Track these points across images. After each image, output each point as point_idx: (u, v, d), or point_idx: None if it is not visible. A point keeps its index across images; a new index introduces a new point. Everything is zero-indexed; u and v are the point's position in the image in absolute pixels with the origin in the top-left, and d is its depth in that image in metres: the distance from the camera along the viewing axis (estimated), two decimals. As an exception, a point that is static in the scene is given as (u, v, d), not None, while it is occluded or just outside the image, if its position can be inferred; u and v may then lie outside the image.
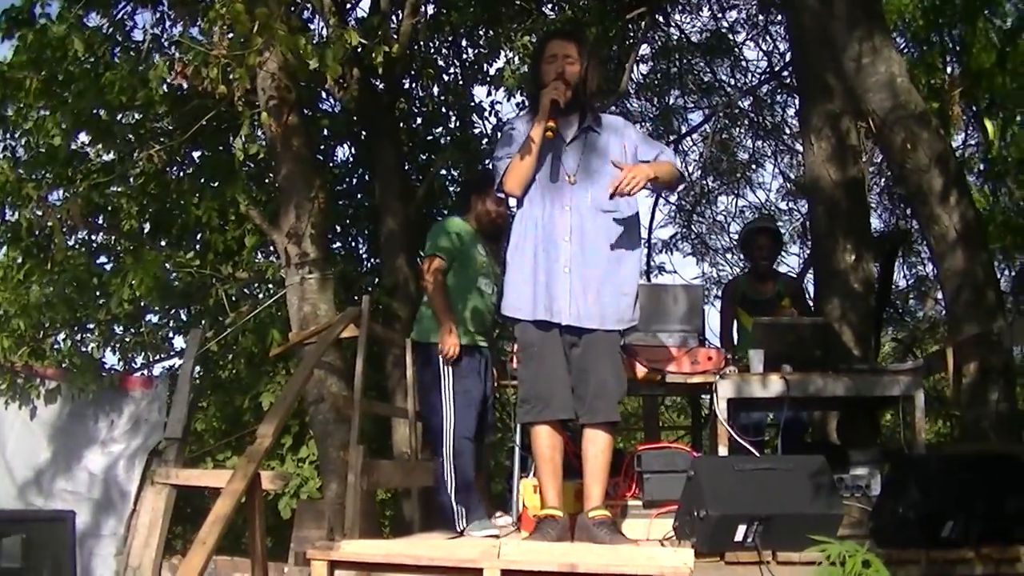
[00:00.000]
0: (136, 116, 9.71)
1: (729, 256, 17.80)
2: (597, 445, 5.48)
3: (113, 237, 10.58)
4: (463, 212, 7.17)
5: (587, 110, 5.72)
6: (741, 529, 4.87)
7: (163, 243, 10.21)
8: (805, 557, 4.83)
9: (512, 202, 6.14)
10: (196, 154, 10.52)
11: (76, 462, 9.76)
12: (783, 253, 9.65)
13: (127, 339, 10.90)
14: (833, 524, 4.98)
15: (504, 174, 5.68)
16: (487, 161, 8.21)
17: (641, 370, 6.70)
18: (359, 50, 9.15)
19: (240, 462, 5.23)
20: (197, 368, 9.71)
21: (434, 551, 5.26)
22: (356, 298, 9.02)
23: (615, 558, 4.91)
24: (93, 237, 10.66)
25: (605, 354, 5.52)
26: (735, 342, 8.38)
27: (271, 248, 10.30)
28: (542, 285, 5.48)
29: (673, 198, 16.97)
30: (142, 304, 10.42)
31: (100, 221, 10.26)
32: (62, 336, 10.61)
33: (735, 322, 8.52)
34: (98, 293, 10.05)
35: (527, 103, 6.25)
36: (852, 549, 4.32)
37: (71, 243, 10.25)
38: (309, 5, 9.17)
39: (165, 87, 8.49)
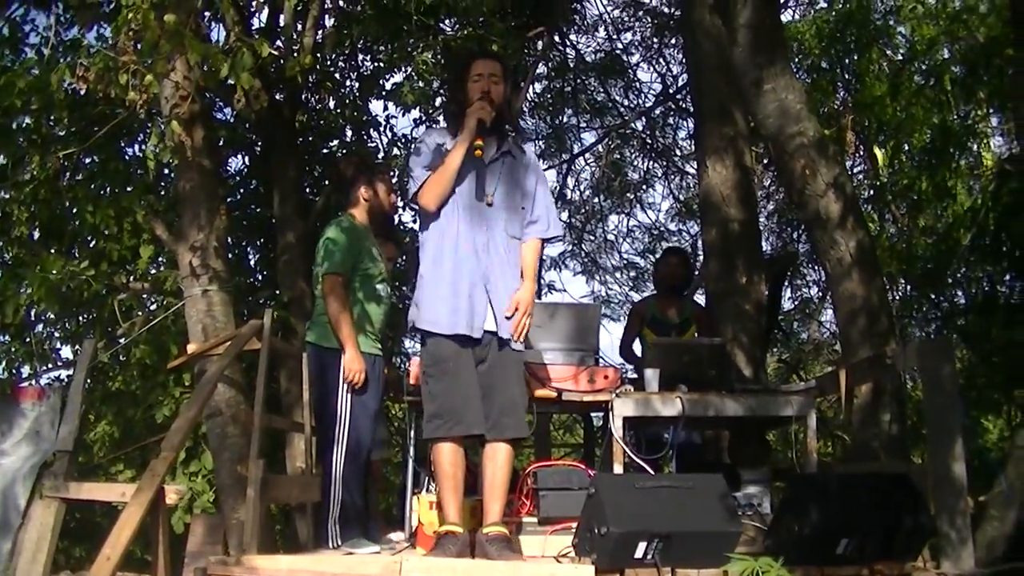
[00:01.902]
0: (27, 121, 9.54)
1: (619, 275, 17.96)
2: (497, 462, 5.52)
3: (2, 243, 10.37)
4: (346, 205, 7.07)
5: (508, 132, 5.78)
6: (641, 546, 4.92)
7: (54, 250, 10.00)
8: (704, 574, 4.90)
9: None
10: (88, 160, 10.33)
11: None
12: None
13: (13, 349, 10.67)
14: (731, 541, 5.05)
15: (421, 187, 5.68)
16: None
17: (539, 388, 6.73)
18: (260, 62, 9.13)
19: (144, 475, 5.17)
20: (88, 380, 9.53)
21: (337, 567, 5.24)
22: (245, 312, 8.97)
23: (517, 574, 4.94)
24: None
25: (512, 371, 5.59)
26: (640, 355, 8.51)
27: (165, 258, 10.18)
28: (462, 299, 5.51)
29: (564, 215, 17.08)
30: (31, 313, 10.24)
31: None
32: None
33: (640, 341, 8.61)
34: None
35: (444, 120, 6.24)
36: (767, 565, 4.38)
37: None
38: (212, 15, 9.09)
39: (66, 92, 8.34)
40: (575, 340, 7.19)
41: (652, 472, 6.54)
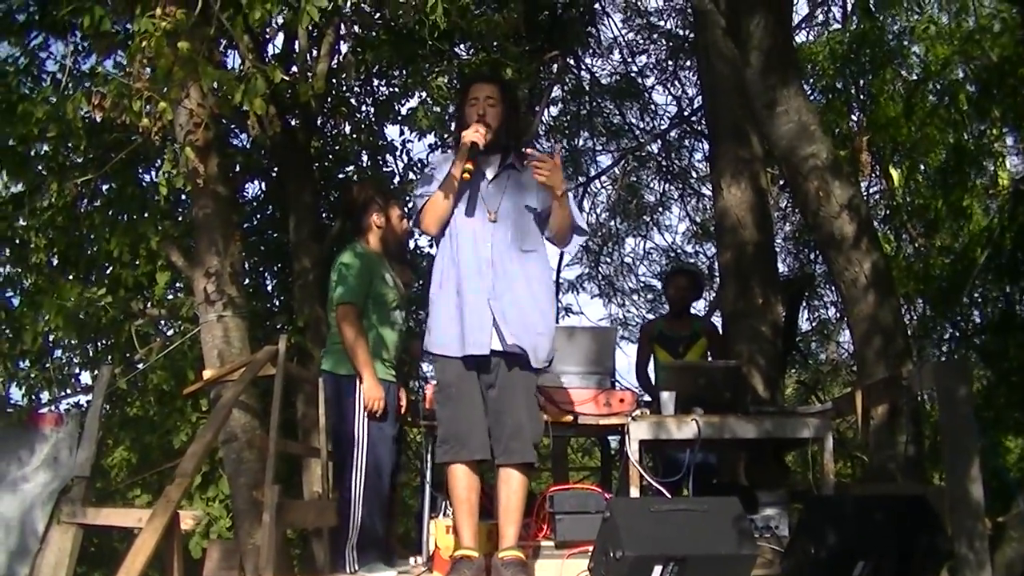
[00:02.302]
0: (46, 148, 9.59)
1: (636, 297, 17.94)
2: (511, 486, 5.48)
3: (20, 270, 10.40)
4: (359, 232, 7.06)
5: (510, 150, 5.77)
6: (657, 570, 4.90)
7: (71, 277, 10.03)
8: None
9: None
10: (106, 187, 10.38)
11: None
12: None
13: (32, 375, 10.70)
14: (747, 565, 5.03)
15: (421, 212, 5.70)
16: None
17: (554, 411, 6.73)
18: (275, 88, 9.16)
19: (159, 502, 5.18)
20: (106, 405, 9.55)
21: (353, 591, 5.25)
22: (261, 337, 8.98)
23: (533, 598, 4.95)
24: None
25: (521, 395, 5.53)
26: (653, 379, 8.50)
27: (181, 284, 10.21)
28: (465, 319, 5.48)
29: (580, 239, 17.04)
30: (50, 339, 10.27)
31: (7, 253, 10.09)
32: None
33: (653, 359, 8.61)
34: (5, 327, 9.86)
35: (450, 143, 6.28)
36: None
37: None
38: (226, 42, 9.13)
39: (84, 119, 8.37)
40: (592, 363, 7.17)
41: (669, 495, 6.52)
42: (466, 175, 5.50)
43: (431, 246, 5.85)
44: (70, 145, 9.56)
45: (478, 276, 5.53)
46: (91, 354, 11.11)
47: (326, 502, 7.18)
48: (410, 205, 5.95)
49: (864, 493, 7.40)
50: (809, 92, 11.92)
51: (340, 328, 6.55)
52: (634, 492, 6.54)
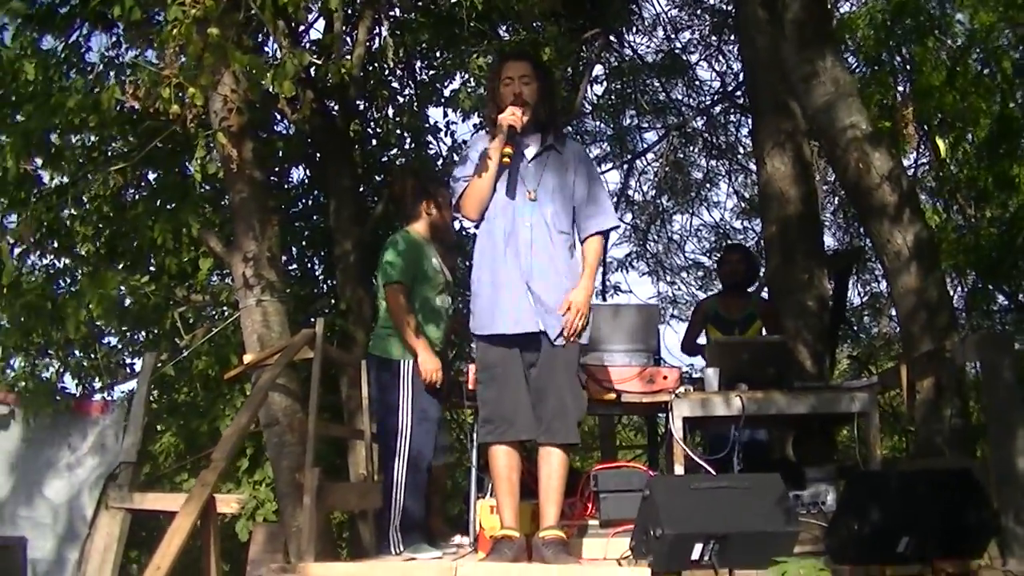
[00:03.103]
0: (92, 138, 9.63)
1: (685, 275, 17.85)
2: (552, 465, 5.49)
3: (68, 260, 10.46)
4: (408, 219, 7.17)
5: (549, 128, 5.74)
6: (697, 547, 4.88)
7: (119, 266, 10.09)
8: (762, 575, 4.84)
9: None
10: (151, 176, 10.43)
11: (35, 489, 9.63)
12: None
13: (84, 363, 10.79)
14: (789, 541, 5.00)
15: (460, 196, 5.70)
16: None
17: (597, 390, 6.70)
18: (312, 71, 9.15)
19: (194, 485, 5.20)
20: (154, 391, 9.62)
21: (392, 573, 5.25)
22: (302, 321, 9.01)
23: (571, 578, 4.93)
24: (48, 261, 10.53)
25: (563, 374, 5.53)
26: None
27: (226, 270, 10.24)
28: (505, 300, 5.50)
29: (628, 216, 17.05)
30: (100, 328, 10.35)
31: (55, 245, 10.14)
32: (18, 361, 10.50)
33: (706, 337, 8.57)
34: (53, 318, 9.92)
35: (484, 124, 6.25)
36: (810, 567, 4.32)
37: (25, 268, 10.13)
38: (260, 29, 9.14)
39: (118, 109, 8.39)
40: (635, 341, 7.14)
41: (713, 472, 6.48)
42: (505, 159, 5.50)
43: (476, 226, 5.82)
44: (112, 135, 9.59)
45: (517, 256, 5.53)
46: (141, 342, 11.18)
47: (369, 484, 7.20)
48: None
49: (909, 467, 7.35)
50: (851, 63, 11.82)
51: (389, 307, 6.63)
52: (679, 470, 6.52)
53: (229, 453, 5.49)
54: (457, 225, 9.50)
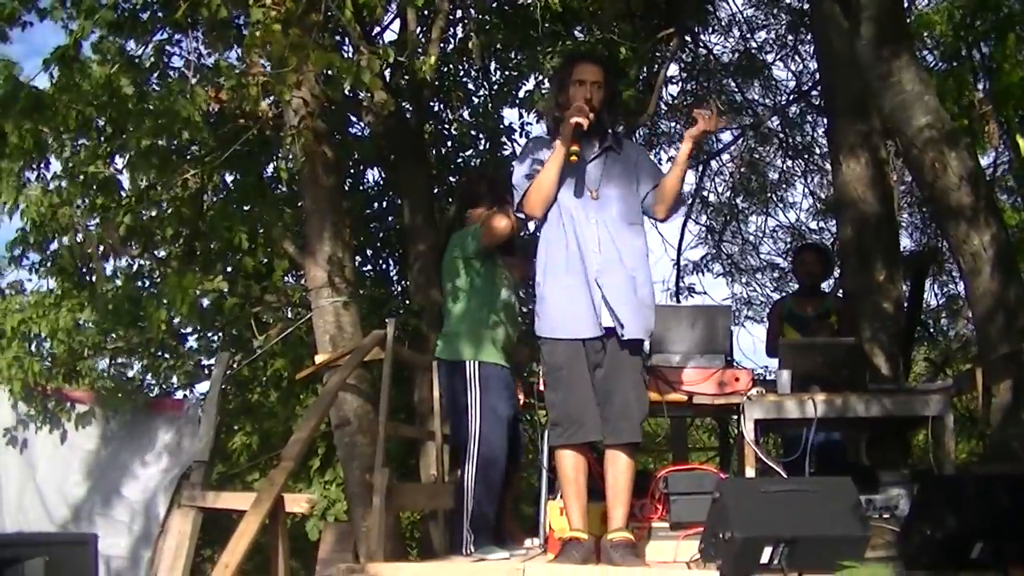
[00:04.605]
0: (175, 142, 9.70)
1: (760, 276, 17.75)
2: (618, 467, 5.52)
3: (150, 262, 10.58)
4: (463, 224, 7.28)
5: (609, 132, 5.75)
6: (767, 551, 4.85)
7: (196, 268, 10.18)
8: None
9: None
10: (229, 178, 10.51)
11: (113, 488, 9.73)
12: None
13: (164, 364, 10.90)
14: (860, 546, 4.95)
15: (524, 195, 5.72)
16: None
17: (668, 392, 6.69)
18: (390, 73, 9.20)
19: (263, 485, 5.25)
20: (228, 391, 9.70)
21: (460, 574, 5.26)
22: (376, 323, 9.05)
23: (640, 581, 4.92)
24: (131, 262, 10.63)
25: (628, 374, 5.56)
26: None
27: (299, 271, 10.30)
28: (574, 301, 5.53)
29: (703, 219, 17.01)
30: (181, 329, 10.46)
31: (135, 247, 10.24)
32: (104, 362, 10.63)
33: (781, 339, 8.52)
34: (136, 317, 10.01)
35: (546, 121, 6.27)
36: (877, 571, 4.28)
37: (109, 270, 10.26)
38: (339, 29, 9.19)
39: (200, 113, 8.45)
40: (706, 343, 7.12)
41: (784, 475, 6.44)
42: (573, 157, 5.50)
43: (538, 228, 5.85)
44: (192, 138, 9.65)
45: (584, 257, 5.56)
46: (214, 342, 11.27)
47: (440, 485, 7.23)
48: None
49: (983, 472, 7.25)
50: (931, 61, 11.68)
51: (492, 229, 6.70)
52: (750, 472, 6.50)
53: (299, 454, 5.53)
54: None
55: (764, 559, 4.86)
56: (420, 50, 9.68)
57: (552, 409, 5.65)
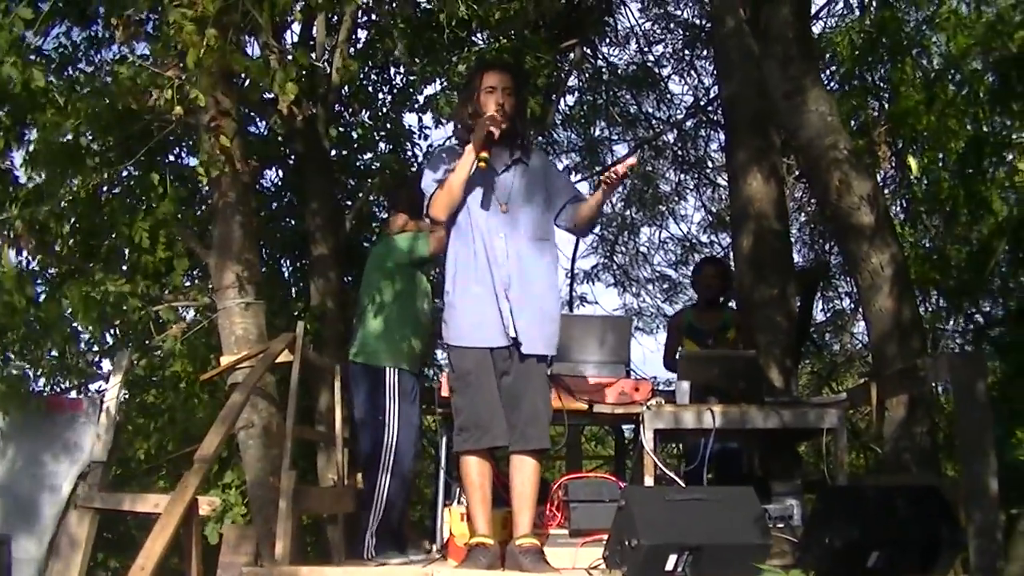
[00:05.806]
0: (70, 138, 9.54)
1: (651, 287, 17.91)
2: (525, 473, 5.56)
3: (44, 260, 10.37)
4: (389, 229, 7.31)
5: (520, 141, 5.80)
6: (672, 559, 4.93)
7: (92, 265, 10.01)
8: (735, 586, 4.90)
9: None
10: (126, 174, 10.34)
11: (11, 488, 9.55)
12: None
13: (56, 363, 10.69)
14: (762, 554, 5.05)
15: (431, 200, 5.74)
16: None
17: (569, 400, 6.75)
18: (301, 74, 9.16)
19: (178, 486, 5.22)
20: (124, 392, 9.55)
21: (369, 579, 5.28)
22: (277, 325, 9.00)
23: (548, 587, 4.97)
24: (20, 259, 10.42)
25: (536, 381, 5.61)
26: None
27: (200, 271, 10.20)
28: (482, 310, 5.56)
29: (596, 228, 17.11)
30: (75, 328, 10.27)
31: (32, 244, 10.03)
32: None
33: (681, 351, 8.63)
34: (31, 319, 9.81)
35: (455, 129, 6.31)
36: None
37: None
38: (247, 30, 9.13)
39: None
40: (607, 353, 7.20)
41: (684, 485, 6.55)
42: (482, 164, 5.53)
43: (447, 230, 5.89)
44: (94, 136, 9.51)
45: (492, 268, 5.59)
46: (110, 342, 11.09)
47: (342, 489, 7.23)
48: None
49: (878, 484, 7.41)
50: (828, 82, 11.90)
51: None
52: (648, 481, 6.59)
53: (212, 457, 5.51)
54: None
55: (669, 566, 4.95)
56: (327, 57, 9.67)
57: (459, 415, 5.66)
